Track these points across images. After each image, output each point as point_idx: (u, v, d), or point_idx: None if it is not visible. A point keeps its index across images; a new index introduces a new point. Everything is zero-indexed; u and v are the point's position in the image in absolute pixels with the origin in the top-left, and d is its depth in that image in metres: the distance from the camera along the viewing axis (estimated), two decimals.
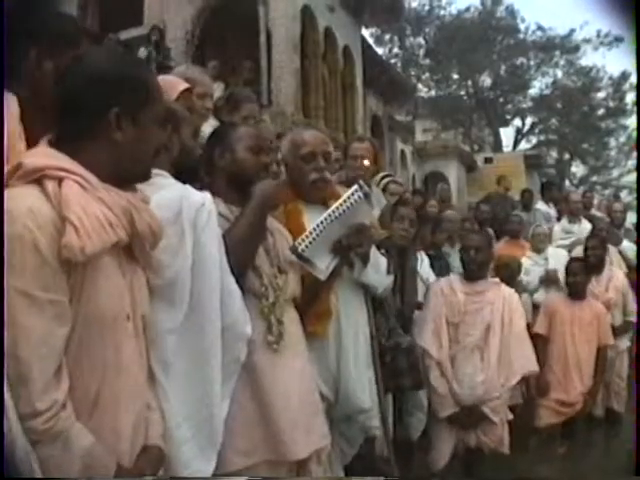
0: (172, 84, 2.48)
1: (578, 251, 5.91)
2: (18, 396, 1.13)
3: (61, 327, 1.21)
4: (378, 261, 2.61)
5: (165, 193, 1.66)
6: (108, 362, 1.30)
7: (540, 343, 4.40)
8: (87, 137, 1.34)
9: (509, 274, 4.57)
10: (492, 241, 5.89)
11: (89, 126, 1.34)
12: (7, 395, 1.12)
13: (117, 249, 1.33)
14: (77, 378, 1.24)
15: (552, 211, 7.85)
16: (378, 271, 2.60)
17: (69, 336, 1.23)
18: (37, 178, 1.23)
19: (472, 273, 3.58)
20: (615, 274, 5.17)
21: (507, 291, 3.62)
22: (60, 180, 1.24)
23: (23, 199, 1.20)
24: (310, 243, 2.13)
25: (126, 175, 1.39)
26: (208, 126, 2.88)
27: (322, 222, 2.17)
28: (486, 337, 3.43)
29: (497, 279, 3.79)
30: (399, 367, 3.01)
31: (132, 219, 1.33)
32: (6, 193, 1.22)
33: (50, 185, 1.22)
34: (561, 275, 5.39)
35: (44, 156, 1.29)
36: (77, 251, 1.18)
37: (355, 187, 2.22)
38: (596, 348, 4.53)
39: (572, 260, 4.85)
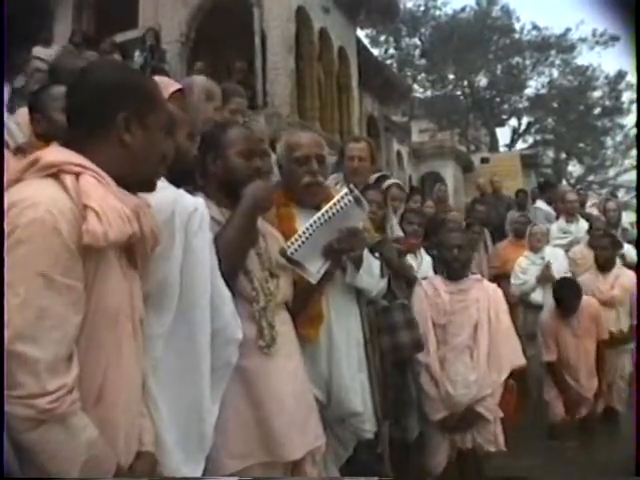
0: (163, 85, 2.46)
1: (575, 251, 5.93)
2: (25, 378, 1.12)
3: (76, 314, 1.21)
4: (371, 264, 2.59)
5: (158, 197, 1.65)
6: (111, 358, 1.31)
7: (553, 369, 4.70)
8: (96, 142, 1.37)
9: None
10: (477, 239, 5.88)
11: (98, 131, 1.38)
12: None
13: (119, 252, 1.35)
14: (83, 370, 1.24)
15: (552, 211, 7.85)
16: (371, 275, 2.58)
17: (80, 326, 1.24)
18: (53, 173, 1.26)
19: (455, 272, 3.53)
20: (624, 272, 5.17)
21: (491, 287, 3.59)
22: (77, 175, 1.26)
23: (43, 188, 1.23)
24: (299, 246, 2.12)
25: (132, 180, 1.41)
26: None
27: (311, 225, 2.16)
28: (475, 335, 3.40)
29: (479, 275, 3.77)
30: (395, 322, 2.98)
31: (140, 221, 1.36)
32: (22, 185, 1.25)
33: (68, 179, 1.25)
34: (557, 273, 5.40)
35: (60, 152, 1.32)
36: (100, 236, 1.20)
37: (345, 191, 2.21)
38: (595, 344, 4.68)
39: (564, 282, 4.84)
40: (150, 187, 1.49)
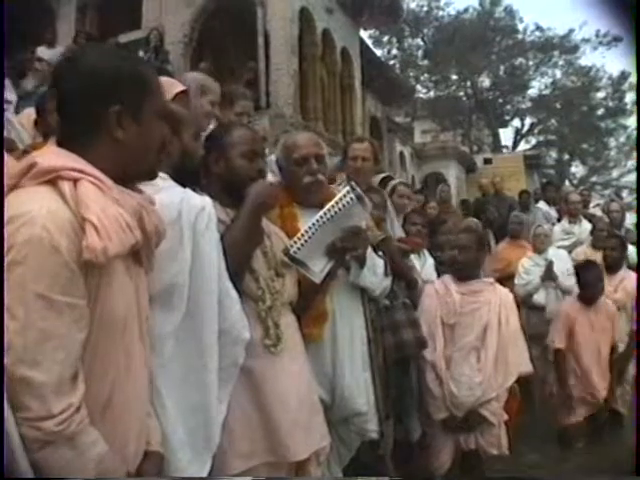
0: (167, 86, 2.47)
1: (579, 252, 5.92)
2: (30, 401, 1.11)
3: (79, 332, 1.18)
4: (375, 263, 2.58)
5: (165, 196, 1.64)
6: (120, 366, 1.29)
7: (560, 357, 4.58)
8: (89, 137, 1.31)
9: None
10: (482, 241, 5.85)
11: (90, 126, 1.30)
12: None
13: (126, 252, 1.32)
14: (90, 382, 1.22)
15: (553, 211, 7.85)
16: (375, 273, 2.57)
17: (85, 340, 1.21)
18: (51, 179, 1.21)
19: (458, 273, 3.51)
20: (629, 276, 5.14)
21: (502, 291, 3.57)
22: (75, 181, 1.21)
23: (40, 200, 1.17)
24: (302, 245, 2.12)
25: (131, 174, 1.37)
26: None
27: (314, 224, 2.16)
28: (483, 337, 3.37)
29: (491, 279, 3.75)
30: (397, 320, 2.97)
31: (142, 220, 1.31)
32: (18, 193, 1.20)
33: (66, 186, 1.19)
34: (560, 273, 5.38)
35: (58, 156, 1.26)
36: (99, 252, 1.15)
37: (347, 189, 2.21)
38: (610, 347, 4.63)
39: (587, 265, 4.76)
40: (151, 176, 1.45)
